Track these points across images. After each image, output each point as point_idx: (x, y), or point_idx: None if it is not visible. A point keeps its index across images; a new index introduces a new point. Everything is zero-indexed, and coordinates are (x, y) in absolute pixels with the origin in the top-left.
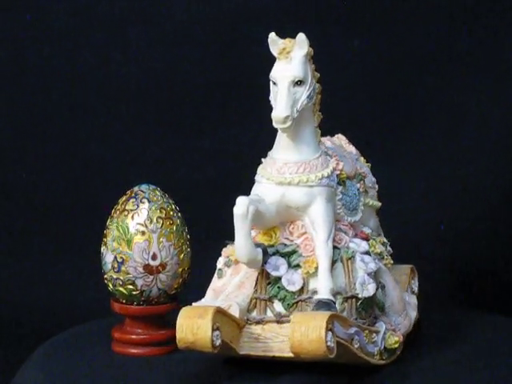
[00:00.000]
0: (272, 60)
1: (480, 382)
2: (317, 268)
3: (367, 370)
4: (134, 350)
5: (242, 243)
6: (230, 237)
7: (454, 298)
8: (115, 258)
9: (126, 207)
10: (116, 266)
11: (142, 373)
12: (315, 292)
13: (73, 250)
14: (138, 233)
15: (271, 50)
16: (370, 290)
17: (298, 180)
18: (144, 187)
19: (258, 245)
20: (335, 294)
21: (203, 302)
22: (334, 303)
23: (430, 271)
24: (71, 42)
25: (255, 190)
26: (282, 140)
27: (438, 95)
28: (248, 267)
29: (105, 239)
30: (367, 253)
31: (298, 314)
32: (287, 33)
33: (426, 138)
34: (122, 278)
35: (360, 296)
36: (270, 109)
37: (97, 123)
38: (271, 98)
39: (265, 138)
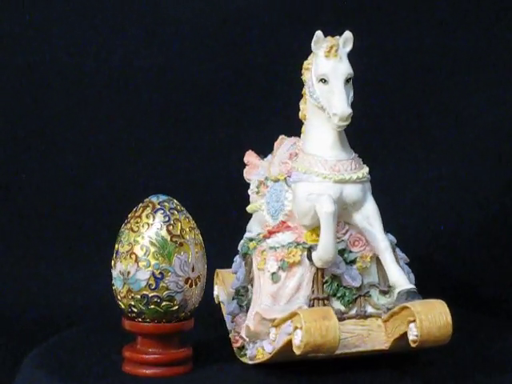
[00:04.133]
0: (273, 60)
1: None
2: (371, 262)
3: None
4: (146, 371)
5: (332, 241)
6: (229, 237)
7: (453, 299)
8: (153, 274)
9: (156, 219)
10: (153, 282)
11: None
12: (372, 286)
13: (73, 250)
14: (177, 245)
15: (314, 48)
16: (412, 278)
17: (356, 177)
18: (163, 197)
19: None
20: (390, 285)
21: (266, 308)
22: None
23: (430, 271)
24: (71, 41)
25: (304, 189)
26: (328, 138)
27: (436, 95)
28: (324, 266)
29: (130, 257)
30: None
31: (415, 304)
32: (287, 33)
33: (426, 139)
34: (160, 294)
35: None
36: (270, 109)
37: (97, 123)
38: (315, 96)
39: (265, 138)
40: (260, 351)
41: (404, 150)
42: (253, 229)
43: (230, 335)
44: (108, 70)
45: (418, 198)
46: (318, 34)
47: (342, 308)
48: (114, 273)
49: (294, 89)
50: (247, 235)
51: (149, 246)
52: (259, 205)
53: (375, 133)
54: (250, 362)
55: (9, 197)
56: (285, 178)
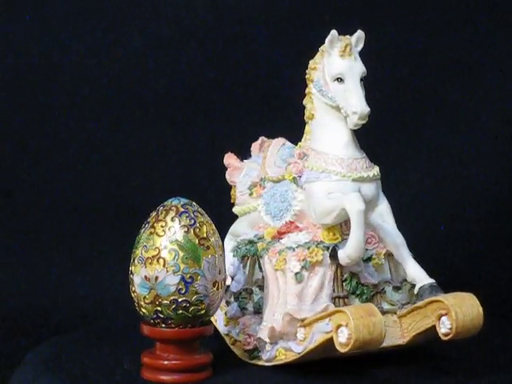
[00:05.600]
0: (273, 62)
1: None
2: (385, 258)
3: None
4: (165, 377)
5: (362, 238)
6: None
7: None
8: (182, 278)
9: (182, 223)
10: (183, 287)
11: None
12: (386, 282)
13: (74, 250)
14: (205, 248)
15: (329, 47)
16: None
17: (372, 175)
18: (184, 200)
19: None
20: (403, 280)
21: (294, 308)
22: None
23: (430, 271)
24: (71, 42)
25: (322, 188)
26: (342, 137)
27: (436, 95)
28: (350, 264)
29: (157, 262)
30: None
31: (447, 297)
32: (287, 33)
33: (426, 140)
34: (189, 299)
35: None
36: (270, 109)
37: (97, 123)
38: (330, 96)
39: (267, 137)
40: (282, 352)
41: (404, 149)
42: (241, 231)
43: (239, 338)
44: (108, 70)
45: (417, 198)
46: (334, 33)
47: None
48: (137, 279)
49: (294, 89)
50: (243, 238)
51: (177, 249)
52: (253, 206)
53: (375, 133)
54: (268, 364)
55: (12, 198)
56: (293, 178)
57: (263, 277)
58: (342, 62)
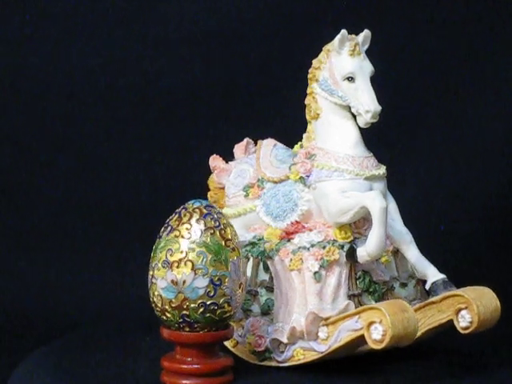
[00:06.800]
0: (272, 61)
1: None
2: (392, 255)
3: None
4: (185, 381)
5: (384, 236)
6: None
7: None
8: (211, 281)
9: (207, 225)
10: (211, 289)
11: None
12: (394, 279)
13: (75, 251)
14: (230, 250)
15: (339, 45)
16: None
17: (382, 173)
18: (205, 202)
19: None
20: (408, 277)
21: (317, 307)
22: None
23: None
24: (71, 42)
25: (335, 187)
26: (351, 136)
27: (437, 95)
28: (369, 261)
29: (185, 265)
30: None
31: (466, 291)
32: (288, 33)
33: (426, 139)
34: (217, 301)
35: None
36: (270, 108)
37: (97, 122)
38: (341, 95)
39: (264, 138)
40: (300, 352)
41: (404, 149)
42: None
43: (248, 340)
44: (109, 69)
45: (417, 198)
46: (344, 32)
47: (373, 303)
48: (162, 283)
49: (294, 88)
50: (241, 240)
51: (205, 252)
52: (249, 207)
53: (375, 133)
54: (283, 365)
55: (15, 199)
56: (301, 178)
57: (271, 278)
58: (353, 61)
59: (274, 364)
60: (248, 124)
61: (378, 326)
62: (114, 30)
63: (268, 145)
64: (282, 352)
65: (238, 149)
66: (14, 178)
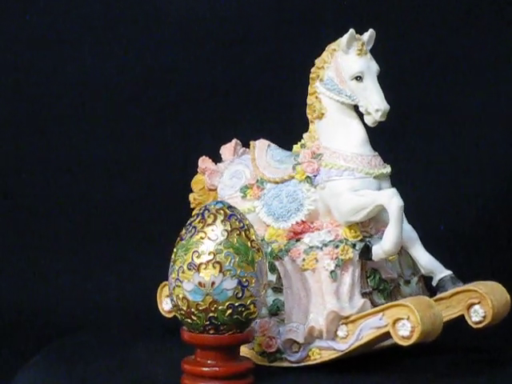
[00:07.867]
0: (273, 62)
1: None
2: (397, 253)
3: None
4: None
5: (401, 234)
6: None
7: None
8: (239, 282)
9: (233, 226)
10: (240, 291)
11: None
12: (399, 277)
13: (76, 251)
14: (256, 250)
15: (346, 45)
16: None
17: (389, 171)
18: (227, 203)
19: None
20: (411, 274)
21: (337, 306)
22: None
23: None
24: (71, 42)
25: (346, 186)
26: (358, 135)
27: (437, 95)
28: (386, 256)
29: (213, 267)
30: None
31: (479, 286)
32: (288, 33)
33: (427, 141)
34: (244, 303)
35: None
36: (269, 108)
37: (96, 122)
38: (349, 94)
39: (265, 138)
40: (316, 352)
41: (404, 149)
42: None
43: (258, 341)
44: (109, 69)
45: (417, 198)
46: (352, 32)
47: (383, 301)
48: (188, 286)
49: (294, 89)
50: None
51: (233, 253)
52: (247, 208)
53: (375, 133)
54: (297, 365)
55: (15, 199)
56: (307, 178)
57: (279, 278)
58: (360, 61)
59: (285, 365)
60: (237, 125)
61: (406, 323)
62: (114, 30)
63: (262, 145)
64: (296, 352)
65: (226, 150)
66: (14, 178)
